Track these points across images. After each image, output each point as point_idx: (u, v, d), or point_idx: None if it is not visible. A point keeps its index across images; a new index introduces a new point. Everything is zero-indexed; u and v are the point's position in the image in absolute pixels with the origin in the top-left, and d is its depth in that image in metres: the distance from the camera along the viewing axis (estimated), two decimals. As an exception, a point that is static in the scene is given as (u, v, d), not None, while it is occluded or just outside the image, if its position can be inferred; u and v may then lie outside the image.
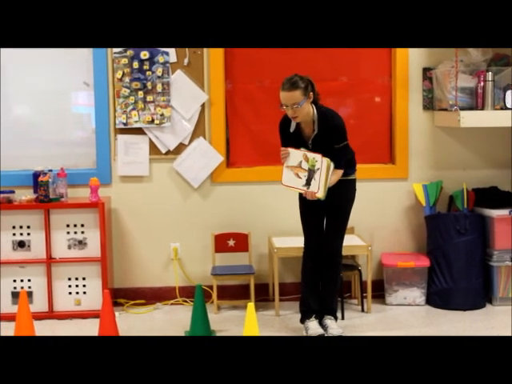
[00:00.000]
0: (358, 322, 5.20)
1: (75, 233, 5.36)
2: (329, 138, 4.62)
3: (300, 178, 4.61)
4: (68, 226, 5.35)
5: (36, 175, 5.44)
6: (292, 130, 4.73)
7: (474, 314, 5.31)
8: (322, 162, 4.49)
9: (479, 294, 5.45)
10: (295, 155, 4.62)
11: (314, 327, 4.80)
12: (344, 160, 4.68)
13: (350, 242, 5.33)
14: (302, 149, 4.62)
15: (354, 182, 4.87)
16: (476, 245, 5.42)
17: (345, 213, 4.87)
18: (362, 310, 5.40)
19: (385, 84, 5.75)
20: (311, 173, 4.54)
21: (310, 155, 4.53)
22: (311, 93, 4.59)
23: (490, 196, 5.62)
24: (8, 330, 4.92)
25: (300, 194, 4.81)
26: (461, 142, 5.74)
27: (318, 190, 4.52)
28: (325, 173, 4.49)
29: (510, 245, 5.38)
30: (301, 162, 4.59)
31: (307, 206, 4.80)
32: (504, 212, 5.39)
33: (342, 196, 4.78)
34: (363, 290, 5.42)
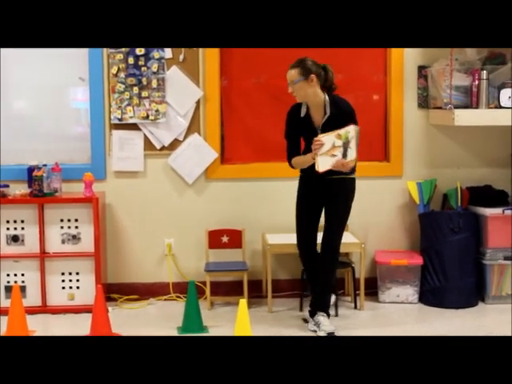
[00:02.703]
0: (350, 319, 5.21)
1: (69, 227, 5.37)
2: (340, 122, 4.64)
3: (335, 155, 4.61)
4: (62, 220, 5.36)
5: (31, 170, 5.43)
6: (302, 114, 4.79)
7: (466, 313, 5.31)
8: (353, 131, 4.56)
9: (472, 293, 5.46)
10: (328, 140, 4.62)
11: (326, 323, 4.84)
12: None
13: (343, 239, 5.32)
14: (332, 132, 4.62)
15: (353, 181, 4.88)
16: (469, 243, 5.43)
17: (343, 211, 4.88)
18: (355, 308, 5.41)
19: (380, 82, 5.76)
20: (346, 145, 4.58)
21: (342, 131, 4.58)
22: (312, 75, 4.66)
23: (484, 194, 5.63)
24: (1, 324, 4.92)
25: (299, 193, 4.92)
26: (455, 141, 5.74)
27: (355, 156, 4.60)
28: (355, 140, 4.57)
29: (503, 243, 5.40)
30: (333, 142, 4.61)
31: (305, 205, 4.90)
32: (497, 210, 5.41)
33: (340, 194, 4.83)
34: (356, 287, 5.44)
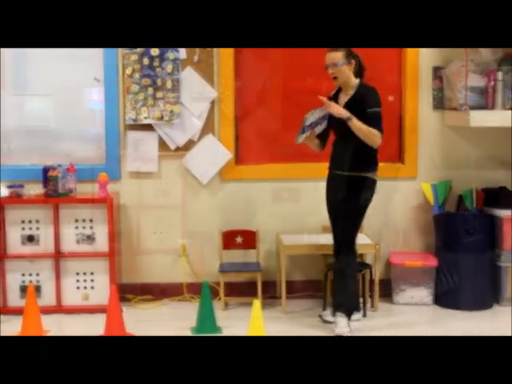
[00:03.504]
0: (365, 320, 5.22)
1: (84, 228, 5.43)
2: (362, 102, 4.75)
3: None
4: (77, 220, 5.42)
5: (46, 170, 5.48)
6: (331, 94, 4.99)
7: (480, 315, 5.34)
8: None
9: (487, 294, 5.48)
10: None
11: (342, 325, 4.89)
12: (379, 126, 4.77)
13: (358, 240, 5.35)
14: None
15: (368, 180, 4.85)
16: (484, 245, 5.44)
17: (351, 209, 4.87)
18: (372, 306, 5.43)
19: (395, 82, 5.77)
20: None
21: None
22: (353, 61, 4.83)
23: (499, 196, 5.64)
24: (16, 324, 4.99)
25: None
26: (470, 142, 5.75)
27: None
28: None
29: (518, 245, 5.41)
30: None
31: (327, 202, 5.02)
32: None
33: (350, 192, 4.82)
34: (371, 289, 5.46)
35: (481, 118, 5.24)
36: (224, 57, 5.59)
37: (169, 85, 5.55)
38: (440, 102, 5.70)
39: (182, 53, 5.55)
